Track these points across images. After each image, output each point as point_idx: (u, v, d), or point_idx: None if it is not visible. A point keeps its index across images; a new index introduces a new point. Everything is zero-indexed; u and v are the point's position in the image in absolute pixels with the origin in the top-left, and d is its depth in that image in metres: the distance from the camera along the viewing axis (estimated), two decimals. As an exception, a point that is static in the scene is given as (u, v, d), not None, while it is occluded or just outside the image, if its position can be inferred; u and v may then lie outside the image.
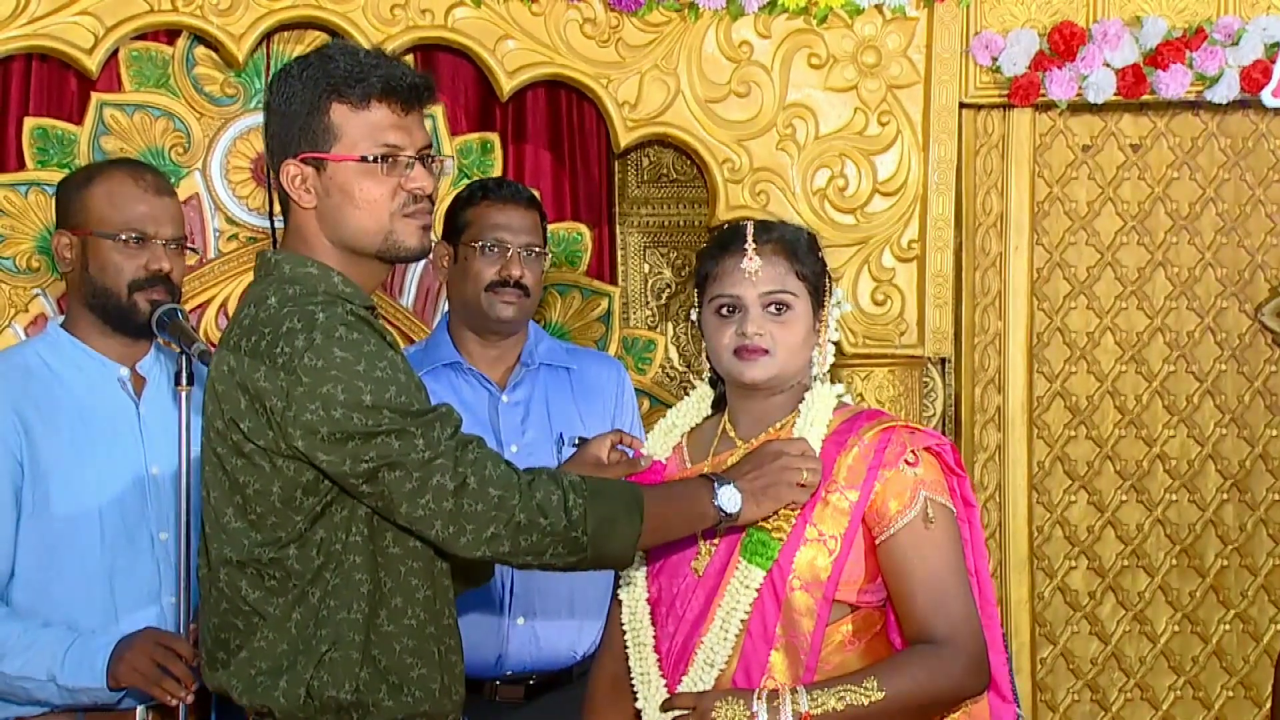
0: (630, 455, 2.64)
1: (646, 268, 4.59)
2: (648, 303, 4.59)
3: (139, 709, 2.88)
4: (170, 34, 4.08)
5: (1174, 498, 4.55)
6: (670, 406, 2.80)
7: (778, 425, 2.58)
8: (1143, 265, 4.53)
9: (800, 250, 2.58)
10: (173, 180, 3.63)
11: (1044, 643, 4.52)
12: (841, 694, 2.41)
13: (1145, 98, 4.33)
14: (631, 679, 2.59)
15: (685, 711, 2.45)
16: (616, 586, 2.67)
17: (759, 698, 2.41)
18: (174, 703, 2.76)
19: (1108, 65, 4.26)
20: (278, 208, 2.49)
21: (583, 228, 4.40)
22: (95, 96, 4.03)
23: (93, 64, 3.89)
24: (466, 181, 3.71)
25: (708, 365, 2.68)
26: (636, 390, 3.87)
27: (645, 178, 4.59)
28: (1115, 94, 4.29)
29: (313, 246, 2.41)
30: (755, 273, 2.54)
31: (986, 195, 4.43)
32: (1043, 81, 4.27)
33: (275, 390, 2.26)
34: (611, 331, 4.41)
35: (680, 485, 2.50)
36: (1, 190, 3.97)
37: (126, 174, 3.02)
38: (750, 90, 4.21)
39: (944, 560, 2.48)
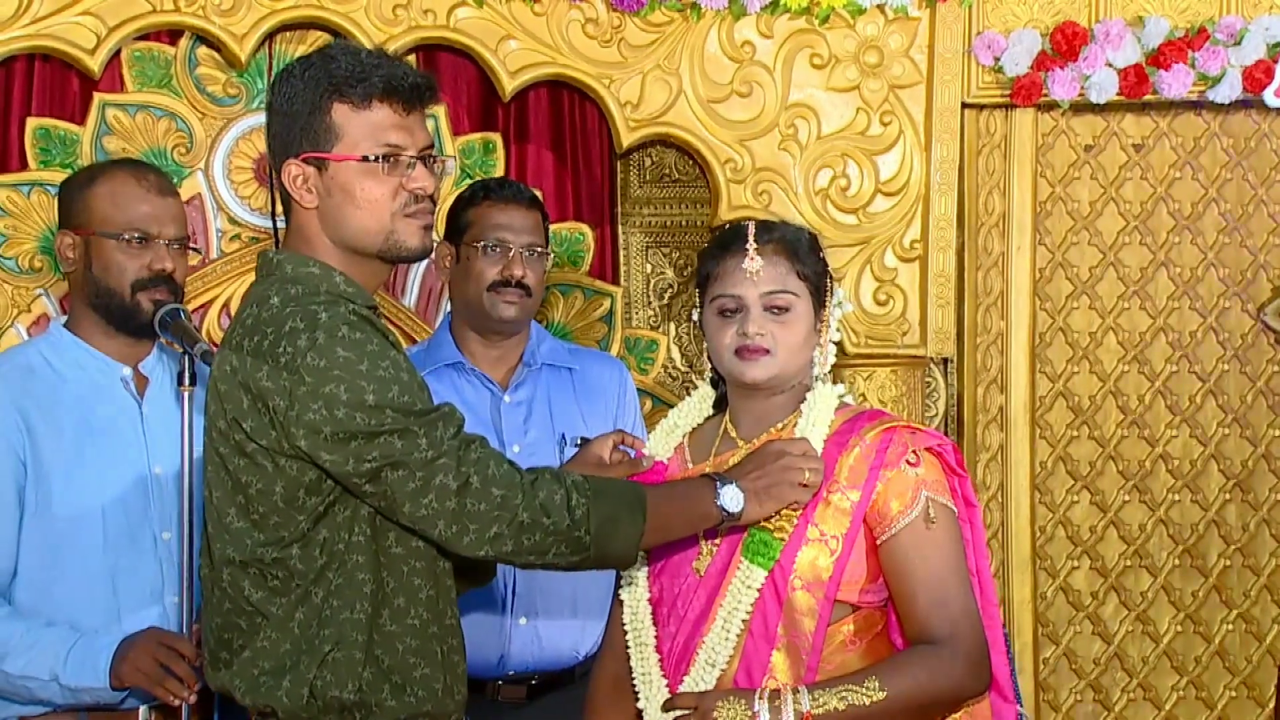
0: (632, 455, 2.64)
1: (649, 268, 4.59)
2: (650, 303, 4.59)
3: (142, 709, 2.88)
4: (172, 34, 4.08)
5: (1176, 498, 4.54)
6: (672, 407, 2.80)
7: (779, 425, 2.58)
8: (1145, 265, 4.52)
9: (801, 250, 2.59)
10: (175, 180, 3.64)
11: (1046, 643, 4.51)
12: (843, 694, 2.41)
13: (1147, 98, 4.33)
14: (633, 679, 2.59)
15: (687, 711, 2.45)
16: (618, 586, 2.67)
17: (761, 697, 2.41)
18: (177, 703, 2.76)
19: (1110, 65, 4.26)
20: (279, 208, 2.49)
21: (585, 228, 4.40)
22: (98, 97, 4.03)
23: (95, 64, 3.89)
24: (469, 182, 3.71)
25: (709, 365, 2.68)
26: (639, 390, 3.87)
27: (647, 178, 4.59)
28: (1117, 94, 4.29)
29: (314, 246, 2.41)
30: (756, 273, 2.54)
31: (989, 195, 4.43)
32: (1045, 81, 4.27)
33: (278, 390, 2.26)
34: (614, 331, 4.41)
35: (683, 485, 2.50)
36: (4, 190, 3.97)
37: (129, 174, 3.02)
38: (752, 90, 4.21)
39: (945, 560, 2.48)
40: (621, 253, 4.55)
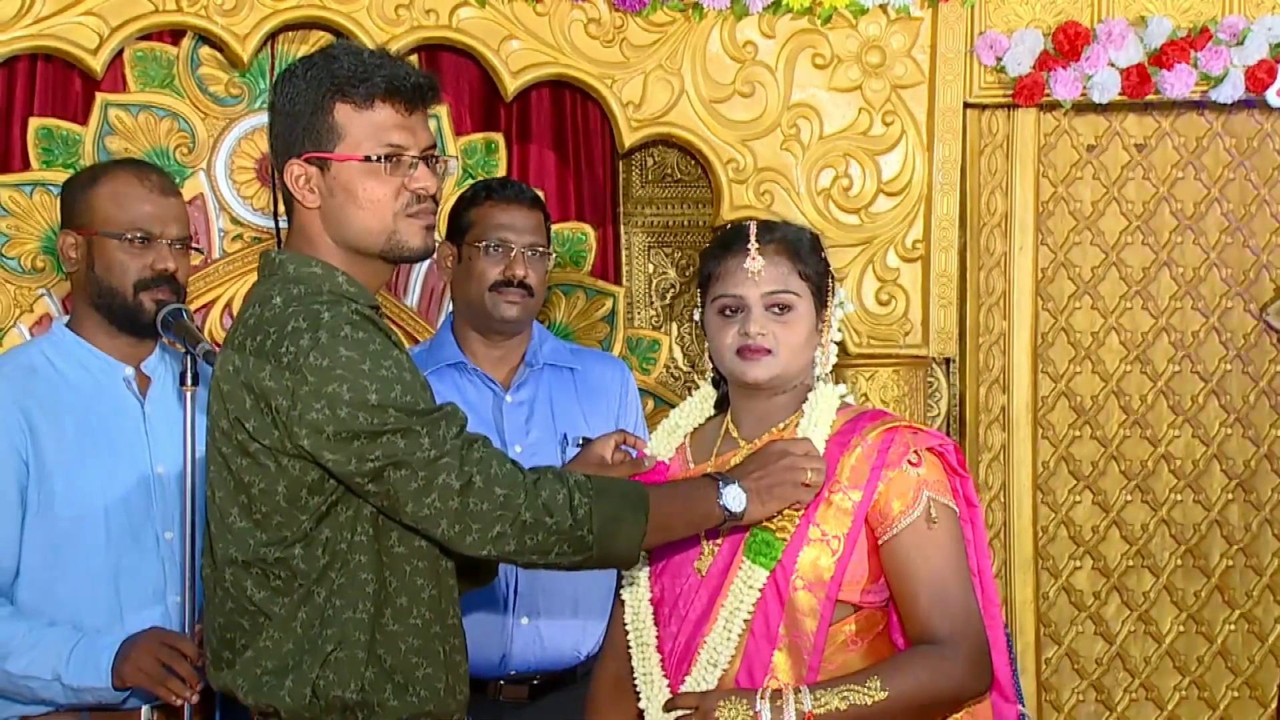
0: (634, 455, 2.64)
1: (651, 268, 4.60)
2: (652, 303, 4.59)
3: (144, 709, 2.88)
4: (175, 34, 4.08)
5: (1179, 498, 4.54)
6: (674, 407, 2.80)
7: (781, 426, 2.58)
8: (1147, 265, 4.52)
9: (803, 250, 2.59)
10: (177, 180, 3.64)
11: (1049, 643, 4.51)
12: (845, 694, 2.41)
13: (1150, 97, 4.32)
14: (634, 679, 2.59)
15: (688, 711, 2.45)
16: (619, 586, 2.67)
17: (762, 697, 2.41)
18: (179, 703, 2.77)
19: (1112, 65, 4.26)
20: (282, 208, 2.49)
21: (587, 228, 4.40)
22: (100, 97, 4.03)
23: (97, 64, 3.89)
24: (471, 182, 3.71)
25: (710, 365, 2.68)
26: (641, 390, 3.87)
27: (650, 178, 4.59)
28: (1120, 94, 4.29)
29: (317, 246, 2.41)
30: (758, 273, 2.54)
31: (991, 195, 4.43)
32: (1047, 81, 4.27)
33: (280, 389, 2.26)
34: (616, 331, 4.41)
35: (685, 484, 2.50)
36: (6, 190, 3.98)
37: (132, 174, 3.02)
38: (754, 90, 4.21)
39: (946, 560, 2.48)
40: (623, 253, 4.55)
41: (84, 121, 4.03)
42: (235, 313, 3.81)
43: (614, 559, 2.39)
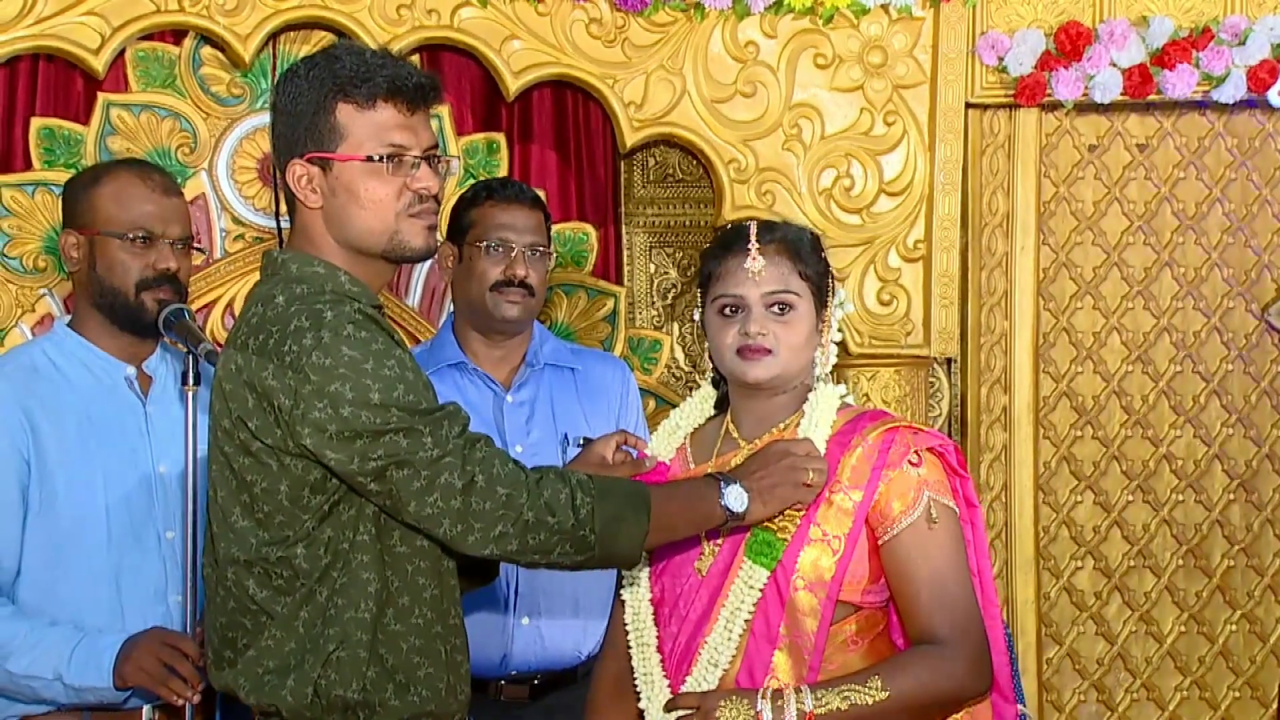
0: (635, 456, 2.64)
1: (652, 268, 4.60)
2: (653, 303, 4.59)
3: (145, 708, 2.88)
4: (177, 34, 4.09)
5: (1180, 498, 4.54)
6: (676, 407, 2.80)
7: (781, 426, 2.58)
8: (1149, 265, 4.52)
9: (804, 250, 2.58)
10: (179, 180, 3.64)
11: (1050, 643, 4.51)
12: (845, 694, 2.41)
13: (1152, 98, 4.32)
14: (635, 679, 2.59)
15: (689, 711, 2.45)
16: (620, 586, 2.67)
17: (763, 697, 2.41)
18: (180, 702, 2.77)
19: (1114, 65, 4.26)
20: (284, 207, 2.49)
21: (588, 228, 4.41)
22: (102, 96, 4.04)
23: (99, 64, 3.90)
24: (472, 182, 3.71)
25: (710, 365, 2.68)
26: (642, 390, 3.87)
27: (651, 178, 4.59)
28: (1121, 94, 4.29)
29: (319, 246, 2.41)
30: (758, 273, 2.54)
31: (992, 195, 4.43)
32: (1049, 81, 4.27)
33: (283, 388, 2.26)
34: (617, 331, 4.41)
35: (687, 484, 2.50)
36: (8, 190, 3.98)
37: (133, 174, 3.02)
38: (756, 90, 4.21)
39: (947, 561, 2.48)
40: (625, 253, 4.55)
41: (86, 121, 4.03)
42: (237, 312, 3.82)
43: (616, 559, 2.40)
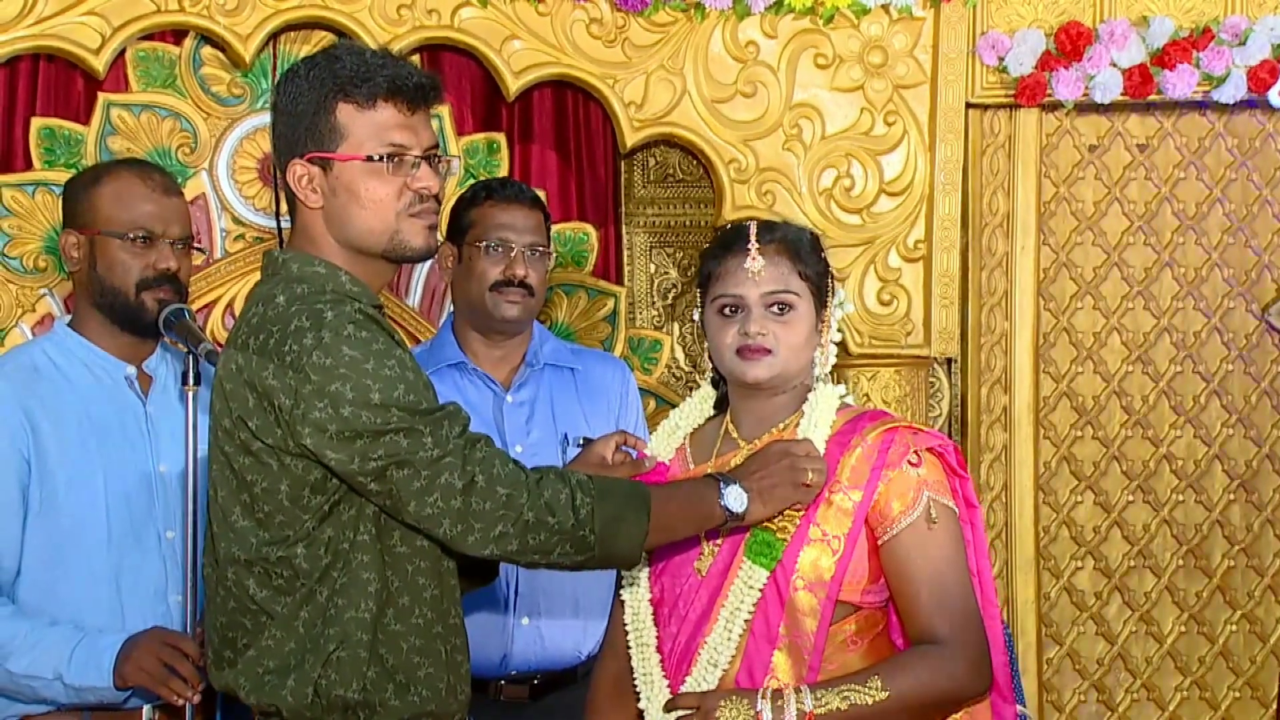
0: (634, 456, 2.64)
1: (653, 268, 4.60)
2: (654, 303, 4.59)
3: (145, 708, 2.88)
4: (177, 34, 4.09)
5: (1181, 498, 4.54)
6: (676, 407, 2.80)
7: (781, 426, 2.58)
8: (1149, 265, 4.52)
9: (803, 250, 2.58)
10: (179, 180, 3.64)
11: (1050, 643, 4.51)
12: (845, 693, 2.41)
13: (1152, 98, 4.33)
14: (634, 679, 2.59)
15: (689, 711, 2.45)
16: (619, 587, 2.67)
17: (763, 697, 2.41)
18: (180, 702, 2.77)
19: (1114, 65, 4.26)
20: (284, 207, 2.49)
21: (589, 228, 4.41)
22: (102, 96, 4.04)
23: (100, 64, 3.90)
24: (472, 182, 3.71)
25: (710, 365, 2.68)
26: (642, 390, 3.87)
27: (651, 178, 4.59)
28: (1122, 94, 4.29)
29: (319, 246, 2.41)
30: (758, 272, 2.54)
31: (993, 195, 4.43)
32: (1049, 81, 4.27)
33: (283, 388, 2.26)
34: (617, 331, 4.41)
35: (687, 484, 2.51)
36: (9, 190, 3.98)
37: (134, 174, 3.02)
38: (756, 90, 4.21)
39: (946, 561, 2.48)
40: (625, 253, 4.55)
41: (86, 121, 4.04)
42: (237, 312, 3.81)
43: (616, 559, 2.40)
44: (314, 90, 2.37)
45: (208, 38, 4.05)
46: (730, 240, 2.59)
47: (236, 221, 4.15)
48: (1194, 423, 4.54)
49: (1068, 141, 4.47)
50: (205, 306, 4.11)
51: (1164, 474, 4.53)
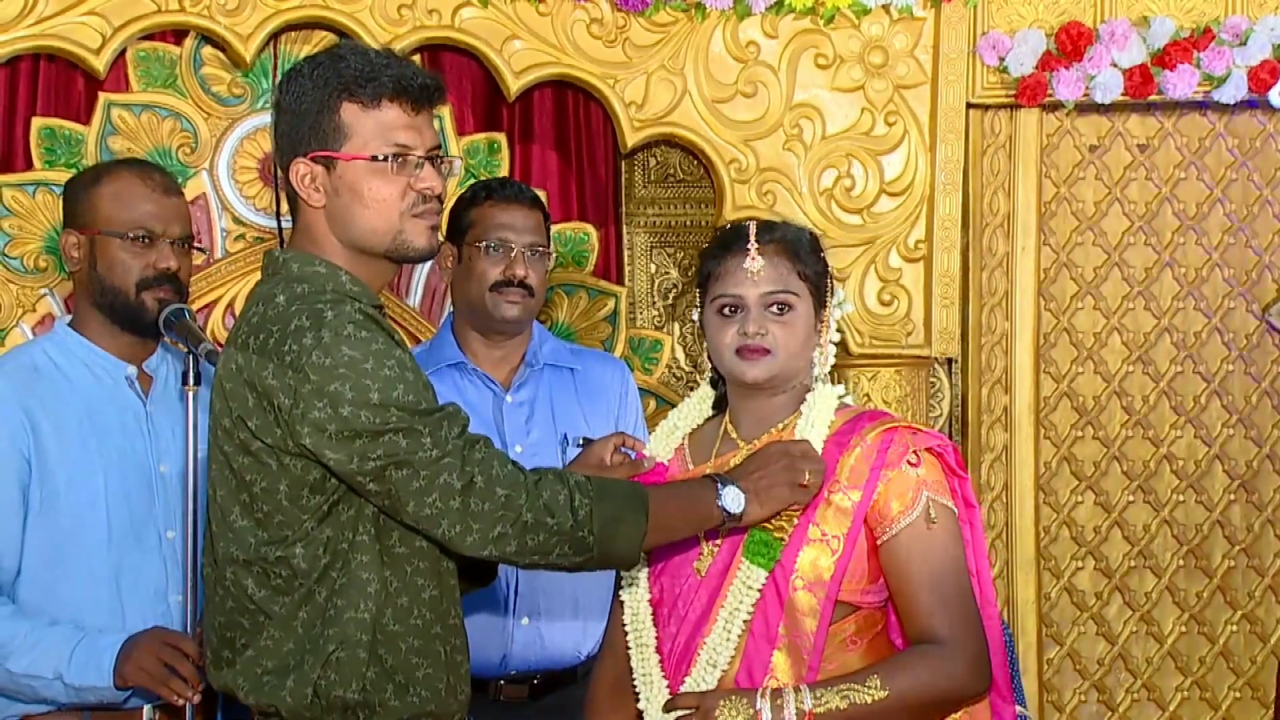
0: (633, 457, 2.64)
1: (653, 268, 4.60)
2: (654, 303, 4.59)
3: (145, 708, 2.88)
4: (177, 34, 4.09)
5: (1181, 498, 4.54)
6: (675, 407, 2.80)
7: (780, 426, 2.58)
8: (1150, 265, 4.52)
9: (802, 250, 2.58)
10: (180, 180, 3.64)
11: (1051, 643, 4.51)
12: (845, 692, 2.41)
13: (1153, 98, 4.33)
14: (633, 680, 2.59)
15: (688, 711, 2.45)
16: (619, 587, 2.67)
17: (763, 696, 2.41)
18: (180, 702, 2.77)
19: (1115, 65, 4.26)
20: (284, 207, 2.49)
21: (589, 228, 4.41)
22: (103, 96, 4.04)
23: (100, 64, 3.90)
24: (472, 182, 3.71)
25: (709, 365, 2.68)
26: (643, 391, 3.87)
27: (652, 178, 4.59)
28: (1122, 94, 4.29)
29: (321, 245, 2.41)
30: (757, 272, 2.54)
31: (993, 195, 4.43)
32: (1050, 82, 4.27)
33: (283, 388, 2.26)
34: (618, 332, 4.41)
35: (685, 485, 2.51)
36: (9, 190, 3.98)
37: (134, 173, 3.02)
38: (757, 90, 4.21)
39: (945, 561, 2.48)
40: (626, 253, 4.55)
41: (87, 121, 4.04)
42: (238, 312, 3.81)
43: (615, 560, 2.39)
44: (318, 89, 2.37)
45: (208, 38, 4.05)
46: (729, 240, 2.59)
47: (237, 221, 4.15)
48: (1194, 423, 4.54)
49: (1068, 142, 4.47)
50: (205, 306, 4.11)
51: (1164, 474, 4.53)
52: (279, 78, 2.56)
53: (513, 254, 3.37)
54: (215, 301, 4.13)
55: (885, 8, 4.22)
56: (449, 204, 3.56)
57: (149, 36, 4.04)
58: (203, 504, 2.66)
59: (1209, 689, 4.55)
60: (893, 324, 4.30)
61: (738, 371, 2.55)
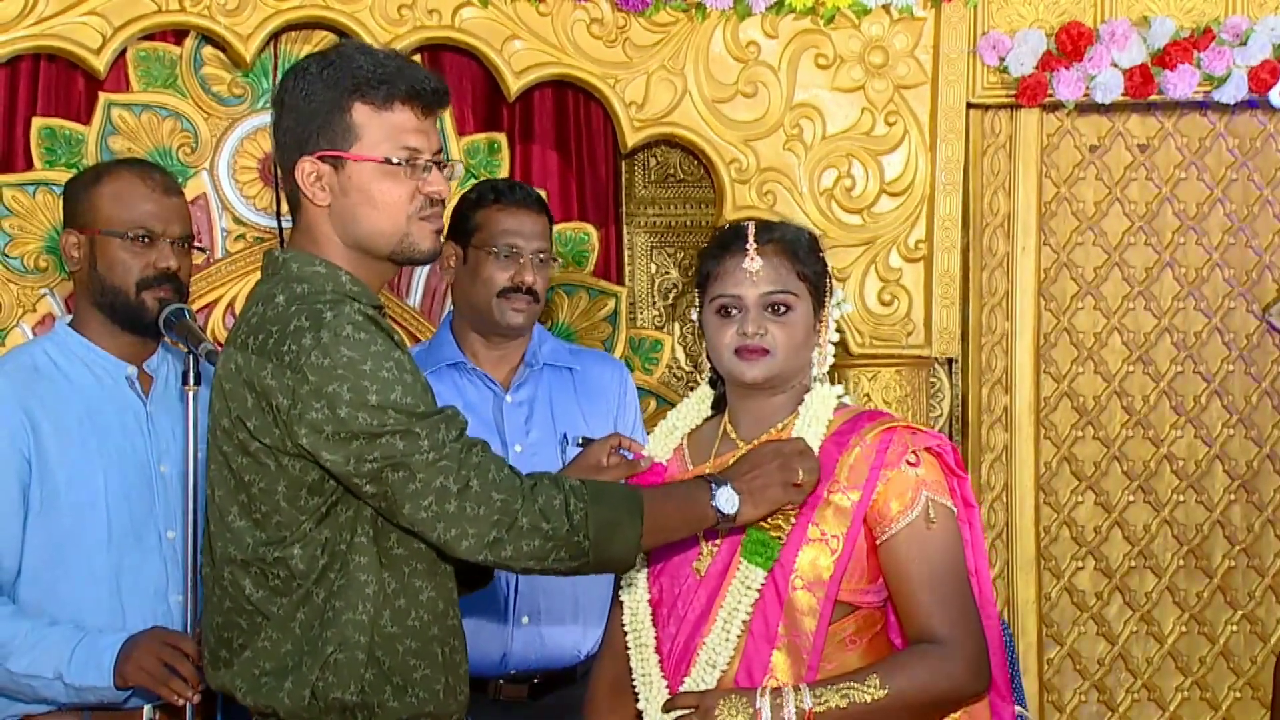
0: (630, 458, 2.64)
1: (653, 268, 4.60)
2: (654, 303, 4.59)
3: (146, 708, 2.88)
4: (178, 34, 4.09)
5: (1181, 498, 4.54)
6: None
7: (779, 426, 2.58)
8: (1150, 265, 4.52)
9: (801, 250, 2.58)
10: (180, 180, 3.63)
11: (1051, 643, 4.51)
12: (844, 691, 2.41)
13: (1153, 98, 4.33)
14: (633, 680, 2.59)
15: (687, 711, 2.45)
16: (618, 588, 2.67)
17: (762, 695, 2.41)
18: (180, 702, 2.76)
19: (1115, 65, 4.26)
20: (284, 207, 2.49)
21: (590, 228, 4.41)
22: (103, 96, 4.04)
23: (100, 64, 3.90)
24: (473, 182, 3.71)
25: (708, 365, 2.68)
26: (643, 390, 3.87)
27: (652, 178, 4.59)
28: (1123, 94, 4.29)
29: (322, 245, 2.40)
30: (756, 273, 2.54)
31: (994, 195, 4.43)
32: (1050, 82, 4.27)
33: (281, 388, 2.26)
34: (618, 332, 4.41)
35: (679, 487, 2.50)
36: (9, 190, 3.98)
37: (134, 173, 3.02)
38: (757, 90, 4.21)
39: (945, 561, 2.48)
40: (626, 253, 4.55)
41: (87, 121, 4.04)
42: (238, 312, 3.81)
43: (611, 564, 2.39)
44: (329, 88, 2.36)
45: (208, 38, 4.05)
46: (728, 240, 2.59)
47: (237, 221, 4.15)
48: (1195, 423, 4.53)
49: (1068, 142, 4.47)
50: (206, 306, 4.11)
51: (1165, 474, 4.53)
52: (279, 77, 2.55)
53: (521, 260, 3.35)
54: (215, 301, 4.13)
55: (885, 8, 4.22)
56: (449, 204, 3.57)
57: (149, 36, 4.04)
58: (202, 504, 2.66)
59: (1209, 689, 4.55)
60: (893, 324, 4.30)
61: (736, 372, 2.55)
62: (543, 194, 3.65)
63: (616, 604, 2.67)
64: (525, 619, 3.33)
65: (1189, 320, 4.53)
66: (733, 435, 2.62)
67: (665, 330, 4.55)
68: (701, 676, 2.49)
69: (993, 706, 2.58)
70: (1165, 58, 4.26)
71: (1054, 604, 4.51)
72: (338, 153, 2.36)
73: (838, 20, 4.21)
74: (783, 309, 2.54)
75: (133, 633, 2.83)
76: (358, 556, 2.33)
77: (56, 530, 2.88)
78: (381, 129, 2.36)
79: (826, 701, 2.40)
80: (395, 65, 2.38)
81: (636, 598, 2.62)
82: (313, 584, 2.32)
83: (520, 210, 3.39)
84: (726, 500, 2.42)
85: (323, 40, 4.09)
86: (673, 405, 3.18)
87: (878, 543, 2.50)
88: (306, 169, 2.38)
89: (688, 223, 4.60)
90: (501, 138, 4.32)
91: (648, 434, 2.80)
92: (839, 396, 2.60)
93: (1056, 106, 4.37)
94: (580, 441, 2.76)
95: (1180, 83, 4.26)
